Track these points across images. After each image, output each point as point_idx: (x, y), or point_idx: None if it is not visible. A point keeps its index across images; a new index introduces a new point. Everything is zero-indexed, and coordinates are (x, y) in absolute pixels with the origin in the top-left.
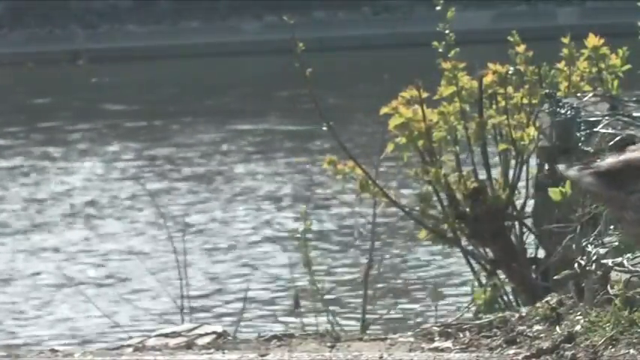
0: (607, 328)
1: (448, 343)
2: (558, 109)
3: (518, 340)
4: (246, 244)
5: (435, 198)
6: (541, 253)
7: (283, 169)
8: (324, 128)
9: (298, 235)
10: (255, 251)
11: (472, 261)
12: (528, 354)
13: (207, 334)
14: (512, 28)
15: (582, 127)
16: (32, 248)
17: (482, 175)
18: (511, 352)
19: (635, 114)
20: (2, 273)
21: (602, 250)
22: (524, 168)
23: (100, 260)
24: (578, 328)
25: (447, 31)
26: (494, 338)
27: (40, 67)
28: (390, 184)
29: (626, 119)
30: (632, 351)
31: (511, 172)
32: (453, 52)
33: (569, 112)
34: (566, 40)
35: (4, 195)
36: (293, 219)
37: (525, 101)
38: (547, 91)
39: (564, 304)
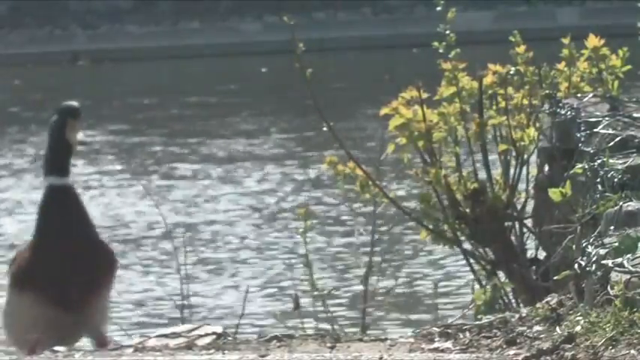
0: (607, 329)
1: (448, 344)
2: (558, 110)
3: (518, 340)
4: (246, 245)
5: (435, 199)
6: (541, 254)
7: (283, 170)
8: (325, 129)
9: (298, 236)
10: (255, 252)
11: (472, 261)
12: (528, 355)
13: (207, 334)
14: (512, 29)
15: (582, 128)
16: None
17: (483, 176)
18: (511, 352)
19: (635, 115)
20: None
21: (602, 251)
22: (525, 168)
23: None
24: (578, 328)
25: (447, 32)
26: (495, 339)
27: (40, 67)
28: (391, 184)
29: (626, 120)
30: (632, 351)
31: (511, 173)
32: (453, 53)
33: (569, 112)
34: (566, 41)
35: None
36: (293, 219)
37: (525, 102)
38: (547, 91)
39: (564, 304)
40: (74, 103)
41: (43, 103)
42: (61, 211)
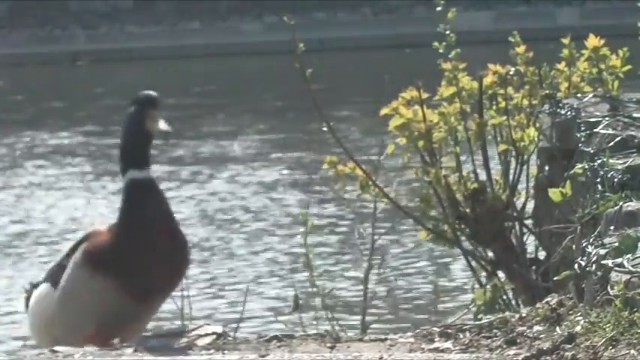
0: (607, 329)
1: (448, 344)
2: (558, 110)
3: (518, 340)
4: (246, 245)
5: (435, 199)
6: (541, 254)
7: (285, 170)
8: (325, 129)
9: (299, 236)
10: (255, 252)
11: (472, 262)
12: (528, 355)
13: (207, 334)
14: (512, 29)
15: (582, 128)
16: (29, 248)
17: (483, 176)
18: (511, 352)
19: (635, 115)
20: (1, 275)
21: (602, 251)
22: (525, 169)
23: None
24: (578, 328)
25: (447, 32)
26: (495, 339)
27: (40, 67)
28: (391, 184)
29: (626, 120)
30: (632, 352)
31: (511, 173)
32: (453, 53)
33: (569, 112)
34: (566, 41)
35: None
36: (293, 219)
37: (525, 102)
38: (547, 91)
39: (564, 304)
40: (152, 93)
41: (27, 104)
42: (147, 205)
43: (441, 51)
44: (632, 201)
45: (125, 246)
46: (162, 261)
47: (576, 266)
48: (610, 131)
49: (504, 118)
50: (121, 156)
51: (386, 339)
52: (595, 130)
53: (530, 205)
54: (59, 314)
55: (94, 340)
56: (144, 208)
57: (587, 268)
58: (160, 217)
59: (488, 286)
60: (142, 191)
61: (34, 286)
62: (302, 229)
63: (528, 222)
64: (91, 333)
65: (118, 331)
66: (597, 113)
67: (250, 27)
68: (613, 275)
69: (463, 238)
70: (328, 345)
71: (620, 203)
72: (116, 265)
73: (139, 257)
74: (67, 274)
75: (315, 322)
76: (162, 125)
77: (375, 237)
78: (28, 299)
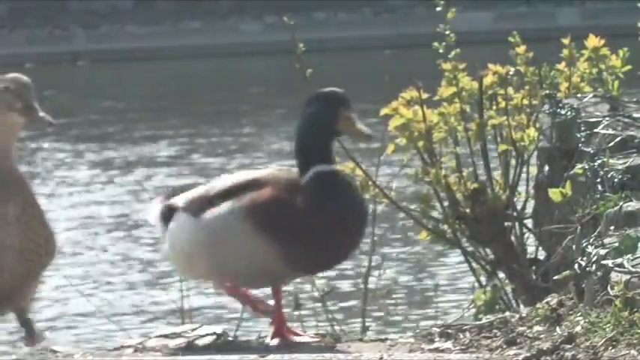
0: (607, 329)
1: (448, 344)
2: (558, 110)
3: (518, 340)
4: None
5: (435, 199)
6: (541, 254)
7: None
8: None
9: None
10: None
11: (472, 262)
12: (528, 355)
13: (207, 334)
14: (512, 29)
15: (582, 128)
16: None
17: (483, 176)
18: (511, 352)
19: (635, 115)
20: None
21: (602, 251)
22: (525, 169)
23: (100, 261)
24: (578, 329)
25: (447, 32)
26: (495, 339)
27: (40, 67)
28: (391, 184)
29: (626, 120)
30: (632, 352)
31: (511, 173)
32: (453, 53)
33: (569, 112)
34: (566, 41)
35: None
36: None
37: (525, 102)
38: (547, 91)
39: (564, 305)
40: (341, 91)
41: None
42: (342, 193)
43: (440, 51)
44: (632, 201)
45: (310, 219)
46: (341, 245)
47: (576, 266)
48: (610, 131)
49: (504, 118)
50: (303, 152)
51: (386, 339)
52: (595, 130)
53: (530, 205)
54: (201, 252)
55: (227, 287)
56: (339, 195)
57: (587, 268)
58: (356, 205)
59: (488, 287)
60: (333, 180)
61: (169, 207)
62: None
63: (528, 222)
64: (229, 279)
65: (258, 285)
66: (597, 113)
67: (250, 27)
68: (613, 275)
69: (463, 238)
70: (328, 345)
71: (620, 203)
72: (288, 234)
73: (322, 236)
74: (219, 216)
75: (315, 322)
76: (364, 128)
77: (375, 237)
78: (163, 215)
